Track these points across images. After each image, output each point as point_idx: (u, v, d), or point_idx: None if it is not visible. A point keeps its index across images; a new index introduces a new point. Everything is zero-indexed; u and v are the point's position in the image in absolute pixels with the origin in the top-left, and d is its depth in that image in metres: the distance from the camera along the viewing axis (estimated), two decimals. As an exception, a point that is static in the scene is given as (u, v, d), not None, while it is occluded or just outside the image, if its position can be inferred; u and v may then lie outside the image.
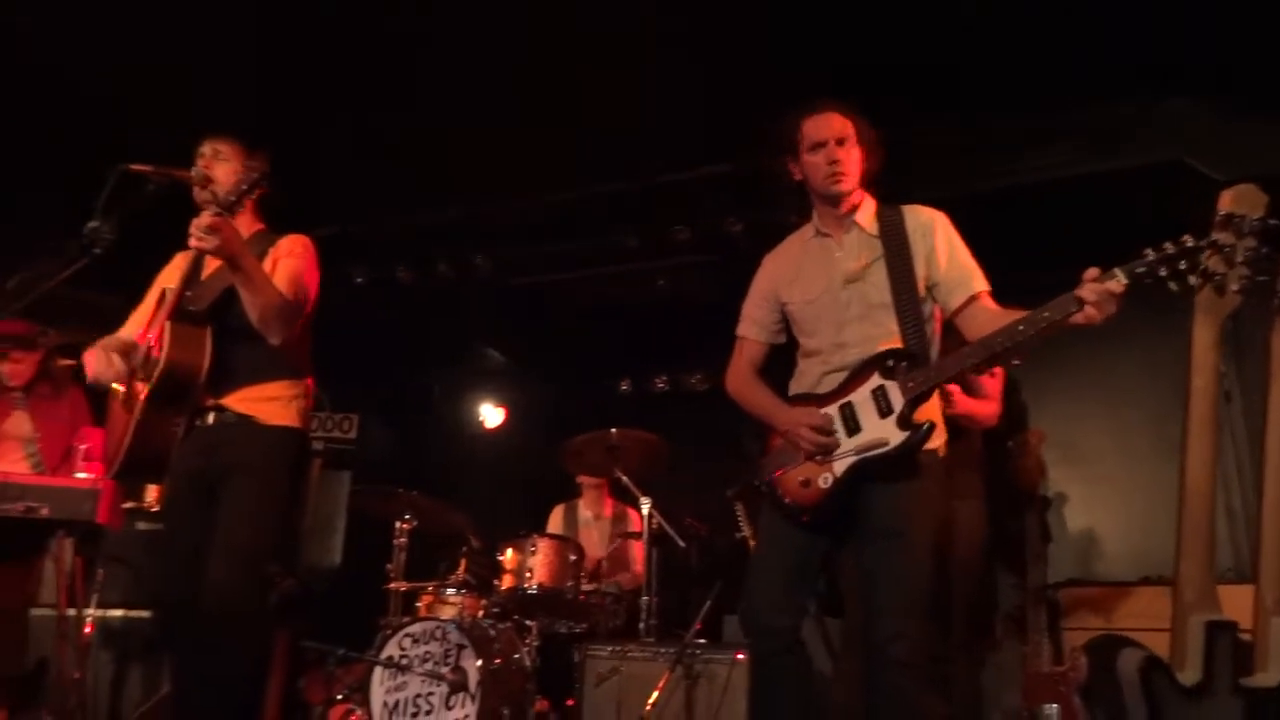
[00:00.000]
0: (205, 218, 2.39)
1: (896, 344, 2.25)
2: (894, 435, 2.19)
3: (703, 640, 3.40)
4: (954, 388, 2.85)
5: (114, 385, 2.66)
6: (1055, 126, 4.08)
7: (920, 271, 2.29)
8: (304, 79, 4.18)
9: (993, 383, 3.17)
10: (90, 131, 3.89)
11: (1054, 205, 4.16)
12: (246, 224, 2.75)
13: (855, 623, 2.99)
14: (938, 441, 2.28)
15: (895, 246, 2.30)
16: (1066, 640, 3.38)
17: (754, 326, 2.53)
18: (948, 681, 2.89)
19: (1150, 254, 1.96)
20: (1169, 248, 1.96)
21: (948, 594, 3.01)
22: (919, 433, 2.17)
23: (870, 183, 2.43)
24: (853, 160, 2.35)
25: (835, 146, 2.34)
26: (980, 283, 2.29)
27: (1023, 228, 3.97)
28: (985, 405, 3.08)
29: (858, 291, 2.33)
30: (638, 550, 4.62)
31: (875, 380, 2.24)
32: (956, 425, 2.94)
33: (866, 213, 2.40)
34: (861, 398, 2.25)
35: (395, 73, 4.20)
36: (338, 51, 4.05)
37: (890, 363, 2.24)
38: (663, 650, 3.35)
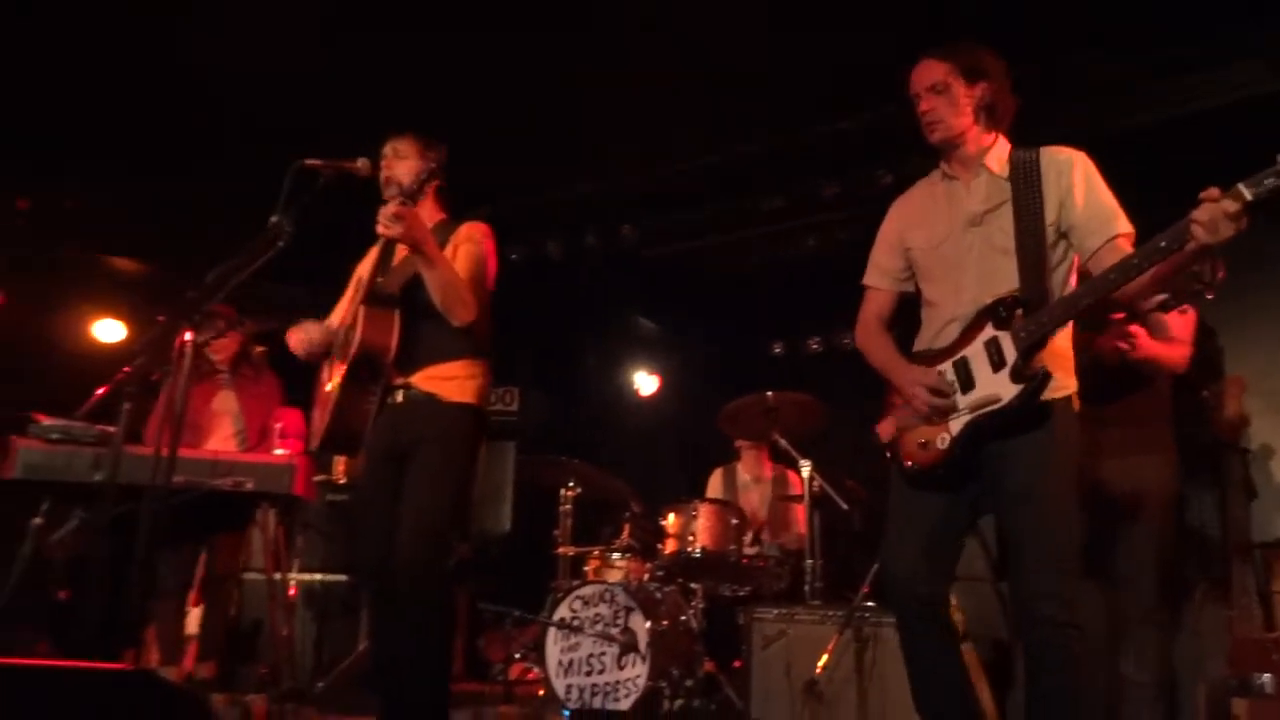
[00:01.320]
0: (391, 206, 2.56)
1: (1013, 291, 2.12)
2: (1006, 390, 2.06)
3: (871, 603, 3.34)
4: (1138, 330, 2.59)
5: (324, 370, 2.88)
6: (1234, 47, 3.69)
7: (1051, 216, 2.13)
8: (449, 61, 4.33)
9: (1182, 324, 2.85)
10: (277, 131, 4.17)
11: (1232, 132, 3.77)
12: (430, 214, 2.89)
13: None
14: (1068, 388, 2.13)
15: (1025, 189, 2.15)
16: (1278, 604, 3.10)
17: (879, 274, 2.42)
18: (1142, 647, 2.71)
19: None
20: None
21: (1138, 554, 2.81)
22: (1033, 384, 2.04)
23: (998, 120, 2.26)
24: (949, 105, 2.21)
25: (925, 96, 2.23)
26: (1122, 225, 2.11)
27: (1197, 158, 3.62)
28: (1173, 348, 2.78)
29: (980, 235, 2.20)
30: (799, 512, 4.59)
31: (988, 331, 2.12)
32: (1140, 372, 2.72)
33: (997, 155, 2.25)
34: (974, 351, 2.14)
35: (535, 49, 4.28)
36: (477, 30, 4.16)
37: (1003, 312, 2.11)
38: (830, 613, 3.32)
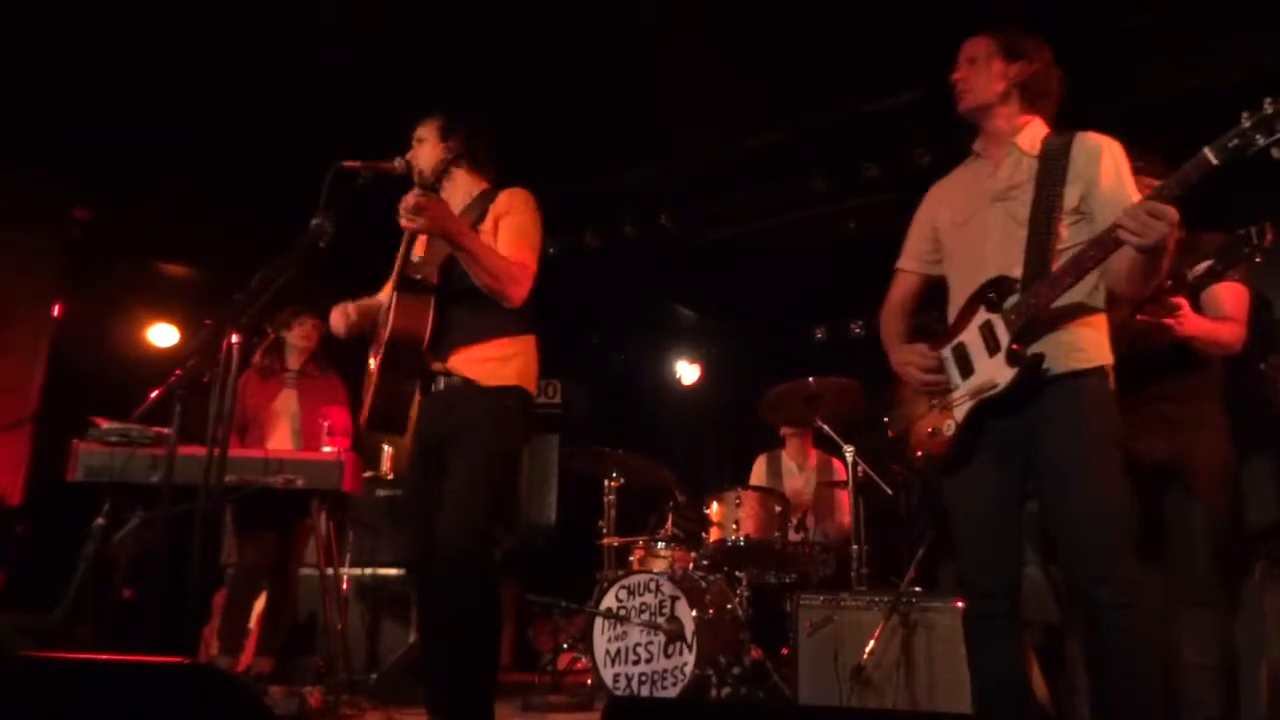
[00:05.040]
0: (411, 198, 2.49)
1: (1012, 271, 2.12)
2: (1002, 374, 2.08)
3: (918, 588, 3.32)
4: (1183, 302, 2.49)
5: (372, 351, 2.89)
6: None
7: (1072, 199, 2.12)
8: (483, 51, 4.34)
9: (1235, 300, 2.69)
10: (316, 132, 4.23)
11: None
12: (467, 188, 2.82)
13: None
14: (1097, 360, 2.10)
15: (1050, 167, 2.16)
16: (1343, 583, 3.00)
17: (907, 256, 2.46)
18: (1201, 629, 2.64)
19: (1245, 120, 1.75)
20: (1267, 108, 1.73)
21: (1190, 535, 2.73)
22: (1026, 367, 2.05)
23: (1035, 100, 2.26)
24: (981, 76, 2.24)
25: (961, 65, 2.28)
26: None
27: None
28: (1224, 327, 2.62)
29: (1004, 211, 2.20)
30: (844, 499, 4.56)
31: (981, 315, 2.15)
32: (1192, 352, 2.62)
33: (1031, 134, 2.25)
34: (971, 336, 2.17)
35: (570, 36, 4.27)
36: (510, 16, 4.16)
37: (993, 295, 2.14)
38: (877, 599, 3.30)
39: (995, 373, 2.10)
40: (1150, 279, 2.02)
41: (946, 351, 2.22)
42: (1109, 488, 2.03)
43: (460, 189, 2.81)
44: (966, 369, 2.17)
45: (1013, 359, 2.07)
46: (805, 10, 4.04)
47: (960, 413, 2.16)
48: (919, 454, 2.25)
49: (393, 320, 2.60)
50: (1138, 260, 1.94)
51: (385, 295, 2.89)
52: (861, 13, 4.03)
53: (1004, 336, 2.09)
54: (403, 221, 2.51)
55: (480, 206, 2.75)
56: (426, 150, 2.78)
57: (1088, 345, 2.11)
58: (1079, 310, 2.13)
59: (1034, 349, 2.07)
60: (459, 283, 2.61)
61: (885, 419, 2.41)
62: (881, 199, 5.19)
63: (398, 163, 2.74)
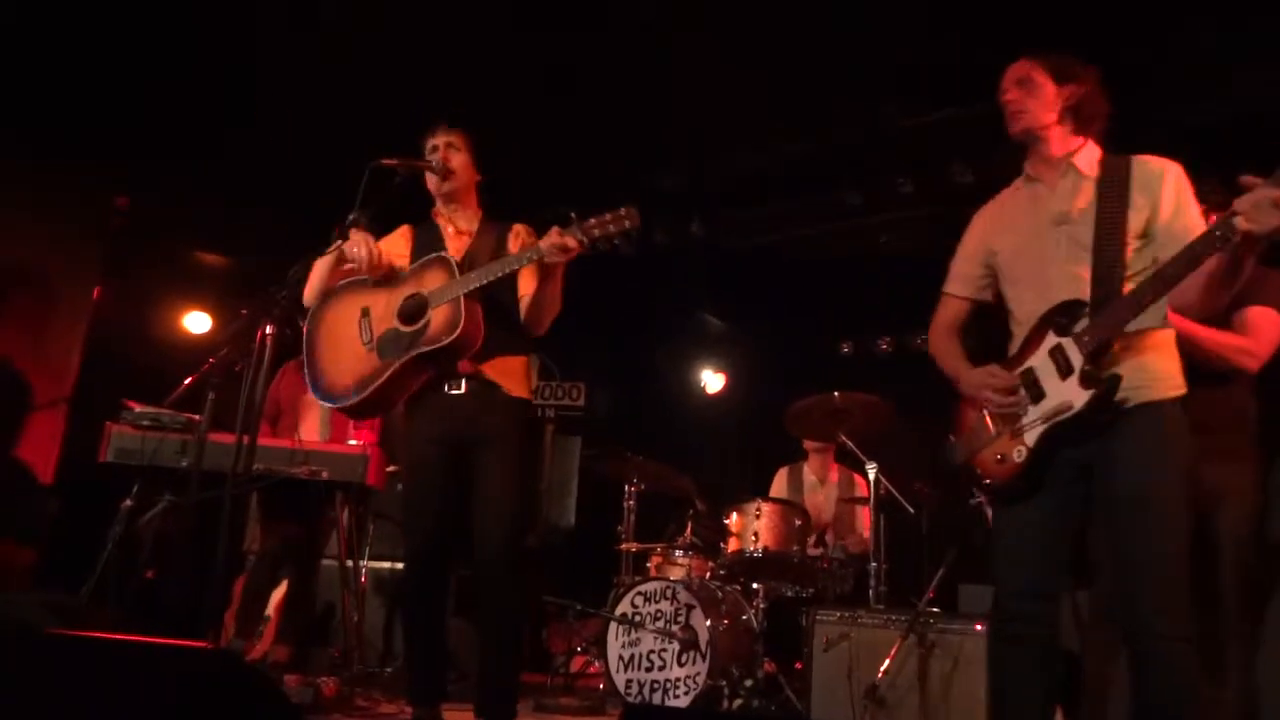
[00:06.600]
0: (570, 240, 2.56)
1: (1080, 295, 2.09)
2: (1078, 396, 2.03)
3: (936, 609, 3.29)
4: None
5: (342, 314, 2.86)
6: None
7: (1136, 224, 2.09)
8: (519, 59, 4.38)
9: (1259, 325, 2.61)
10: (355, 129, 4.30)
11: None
12: (473, 211, 2.96)
13: (1103, 591, 2.76)
14: (1175, 388, 2.07)
15: (1111, 191, 2.12)
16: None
17: (958, 282, 2.41)
18: (1221, 662, 2.60)
19: None
20: None
21: (1214, 571, 2.68)
22: (1103, 389, 2.01)
23: (1086, 123, 2.24)
24: (1034, 98, 2.22)
25: (1011, 88, 2.25)
26: None
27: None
28: (1215, 333, 2.55)
29: (1066, 234, 2.17)
30: (864, 515, 4.53)
31: (1051, 339, 2.11)
32: (1218, 377, 2.56)
33: (1087, 157, 2.22)
34: (1040, 360, 2.12)
35: (604, 45, 4.30)
36: (543, 25, 4.20)
37: (1062, 319, 2.10)
38: (894, 617, 3.27)
39: (1070, 395, 2.05)
40: (1223, 290, 1.98)
41: (1015, 377, 2.17)
42: (1180, 523, 2.01)
43: (468, 210, 2.95)
44: (1037, 394, 2.12)
45: (1088, 380, 2.03)
46: (846, 24, 4.04)
47: (1031, 438, 2.11)
48: (987, 483, 2.19)
49: (464, 324, 2.63)
50: (1214, 271, 1.92)
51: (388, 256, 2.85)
52: (905, 28, 4.01)
53: (1076, 359, 2.05)
54: (550, 255, 2.57)
55: (497, 233, 2.88)
56: (461, 160, 2.89)
57: (1164, 373, 2.09)
58: (1152, 334, 2.09)
59: (1109, 372, 2.03)
60: (495, 298, 2.75)
61: (949, 443, 2.32)
62: (914, 215, 5.17)
63: (435, 163, 2.83)
